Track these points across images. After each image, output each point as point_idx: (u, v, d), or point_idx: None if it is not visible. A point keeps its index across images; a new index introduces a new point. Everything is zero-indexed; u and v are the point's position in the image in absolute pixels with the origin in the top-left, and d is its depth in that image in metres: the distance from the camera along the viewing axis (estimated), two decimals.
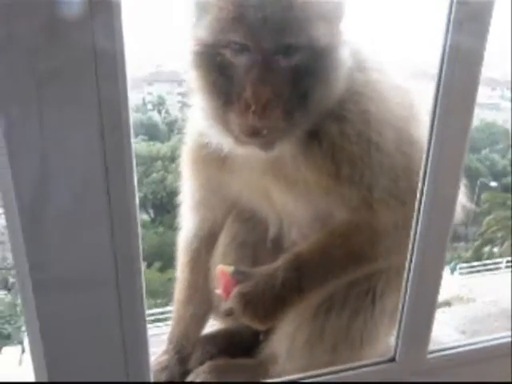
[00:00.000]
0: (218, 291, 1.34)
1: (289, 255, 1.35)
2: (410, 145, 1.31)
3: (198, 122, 1.37)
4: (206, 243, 1.61)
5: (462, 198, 1.39)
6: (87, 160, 0.87)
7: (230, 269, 1.32)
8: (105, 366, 1.03)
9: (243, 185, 1.45)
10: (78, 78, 0.81)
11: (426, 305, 1.30)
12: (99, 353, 1.02)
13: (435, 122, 1.11)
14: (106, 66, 0.81)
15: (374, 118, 1.28)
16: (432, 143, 1.13)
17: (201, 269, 1.61)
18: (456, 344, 1.45)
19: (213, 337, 1.67)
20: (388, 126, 1.29)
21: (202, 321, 1.66)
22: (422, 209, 1.19)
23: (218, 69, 1.17)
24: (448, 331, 1.77)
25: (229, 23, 1.11)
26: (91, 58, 0.80)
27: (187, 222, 1.62)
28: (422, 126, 1.31)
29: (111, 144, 0.87)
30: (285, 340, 1.46)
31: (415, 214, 1.22)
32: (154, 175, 18.15)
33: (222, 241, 1.58)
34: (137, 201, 0.94)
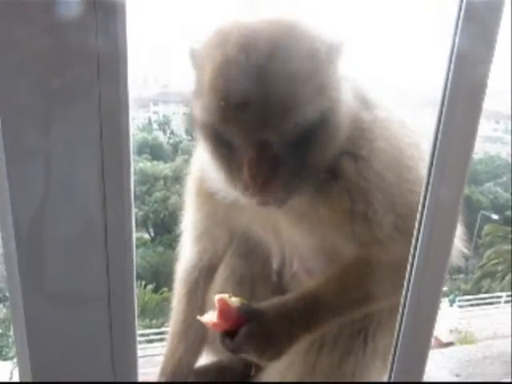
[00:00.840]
0: (210, 321, 1.26)
1: (303, 293, 1.34)
2: (419, 184, 1.32)
3: (204, 161, 1.37)
4: (204, 275, 1.61)
5: (458, 243, 1.40)
6: (84, 175, 0.87)
7: (234, 301, 1.27)
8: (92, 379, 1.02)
9: (251, 218, 1.45)
10: (81, 95, 0.83)
11: (419, 344, 1.28)
12: (87, 366, 1.00)
13: (435, 158, 1.11)
14: (109, 85, 0.82)
15: (389, 156, 1.29)
16: (431, 176, 1.13)
17: (198, 301, 1.60)
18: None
19: (205, 370, 1.66)
20: (401, 164, 1.31)
21: (196, 354, 1.65)
22: (418, 246, 1.19)
23: (219, 143, 1.18)
24: (442, 373, 1.75)
25: (216, 109, 1.11)
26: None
27: (187, 252, 1.62)
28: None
29: (109, 161, 0.86)
30: (276, 376, 1.46)
31: (411, 251, 1.22)
32: (157, 194, 18.18)
33: (221, 273, 1.58)
34: (133, 220, 0.93)
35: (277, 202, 1.22)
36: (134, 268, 0.96)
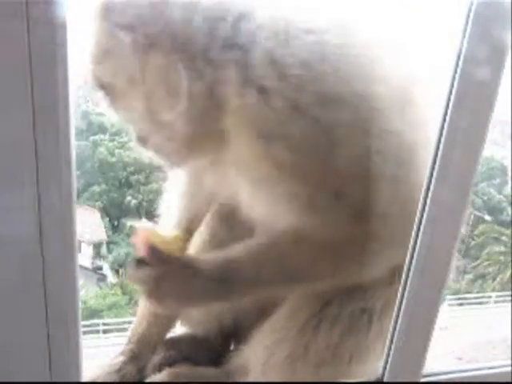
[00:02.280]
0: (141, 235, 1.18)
1: (220, 256, 1.19)
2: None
3: None
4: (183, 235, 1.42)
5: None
6: None
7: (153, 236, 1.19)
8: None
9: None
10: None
11: (423, 320, 1.12)
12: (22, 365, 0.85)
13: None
14: None
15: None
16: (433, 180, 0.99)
17: None
18: (454, 368, 1.26)
19: (177, 341, 1.48)
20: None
21: (168, 322, 1.47)
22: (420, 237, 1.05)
23: None
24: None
25: None
26: None
27: (166, 212, 1.47)
28: None
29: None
30: (261, 353, 1.26)
31: (411, 243, 1.07)
32: (153, 185, 18.03)
33: (200, 236, 1.39)
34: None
35: None
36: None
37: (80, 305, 0.86)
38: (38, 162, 0.76)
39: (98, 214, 12.39)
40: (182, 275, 1.16)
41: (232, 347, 1.49)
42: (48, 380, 0.85)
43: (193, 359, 1.41)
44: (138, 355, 1.40)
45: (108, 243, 12.55)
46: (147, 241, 1.16)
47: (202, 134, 1.13)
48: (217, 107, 1.08)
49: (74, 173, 0.81)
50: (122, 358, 1.39)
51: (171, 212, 1.45)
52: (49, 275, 0.80)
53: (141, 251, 1.16)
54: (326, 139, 1.06)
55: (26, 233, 0.79)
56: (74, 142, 0.80)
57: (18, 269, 0.81)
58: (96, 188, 12.61)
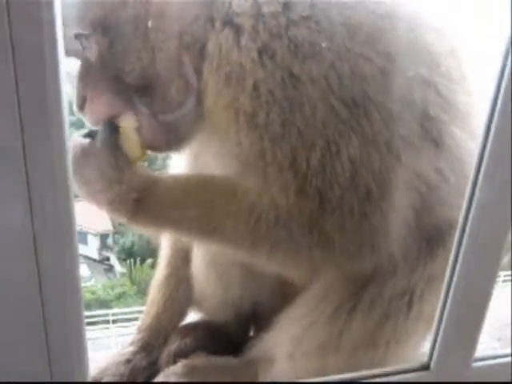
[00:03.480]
0: None
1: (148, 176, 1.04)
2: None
3: None
4: None
5: None
6: None
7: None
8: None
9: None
10: None
11: (475, 301, 0.97)
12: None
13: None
14: None
15: None
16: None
17: (183, 245, 1.31)
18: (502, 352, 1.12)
19: (192, 328, 1.35)
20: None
21: (179, 309, 1.34)
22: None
23: None
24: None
25: None
26: None
27: None
28: None
29: None
30: (287, 341, 1.12)
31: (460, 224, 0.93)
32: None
33: None
34: None
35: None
36: None
37: (82, 304, 0.72)
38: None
39: None
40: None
41: (252, 334, 1.35)
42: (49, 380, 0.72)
43: (209, 347, 1.28)
44: (148, 345, 1.28)
45: (114, 234, 12.47)
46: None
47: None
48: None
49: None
50: (131, 349, 1.26)
51: None
52: (45, 272, 0.67)
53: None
54: (292, 93, 0.94)
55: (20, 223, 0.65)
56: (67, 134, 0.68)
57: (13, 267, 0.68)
58: None
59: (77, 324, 0.72)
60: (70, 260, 0.69)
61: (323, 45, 0.93)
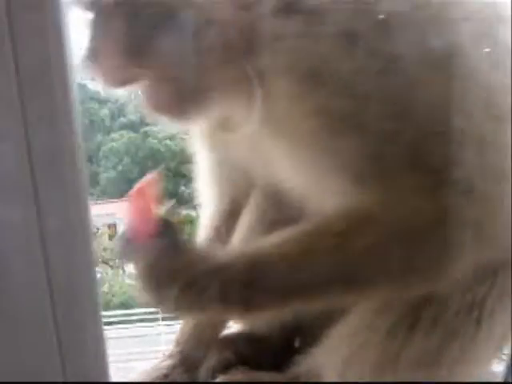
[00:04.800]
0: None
1: (247, 254, 0.91)
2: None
3: None
4: (226, 220, 1.23)
5: None
6: None
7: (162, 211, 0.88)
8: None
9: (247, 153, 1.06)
10: None
11: None
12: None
13: None
14: None
15: None
16: None
17: None
18: None
19: (233, 339, 1.26)
20: None
21: (220, 320, 1.26)
22: None
23: None
24: None
25: None
26: None
27: (205, 199, 1.27)
28: None
29: None
30: (338, 360, 1.01)
31: None
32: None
33: (246, 219, 1.18)
34: None
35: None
36: None
37: (99, 300, 0.66)
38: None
39: None
40: (198, 272, 0.87)
41: (297, 348, 1.25)
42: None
43: (251, 361, 1.20)
44: (187, 358, 1.21)
45: None
46: (151, 211, 0.86)
47: (227, 78, 0.87)
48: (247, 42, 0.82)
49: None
50: (169, 362, 1.20)
51: (208, 199, 1.24)
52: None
53: (138, 224, 0.86)
54: (397, 78, 0.79)
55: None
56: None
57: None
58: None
59: (92, 322, 0.66)
60: (83, 256, 0.62)
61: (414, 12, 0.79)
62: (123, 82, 0.90)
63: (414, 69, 0.80)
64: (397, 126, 0.80)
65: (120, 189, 9.46)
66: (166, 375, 1.17)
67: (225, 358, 1.20)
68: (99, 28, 0.87)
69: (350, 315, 1.01)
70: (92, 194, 9.49)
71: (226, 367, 1.18)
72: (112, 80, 0.90)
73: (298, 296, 0.90)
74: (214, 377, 1.16)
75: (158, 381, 1.15)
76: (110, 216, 8.91)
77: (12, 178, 0.59)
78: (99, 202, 9.58)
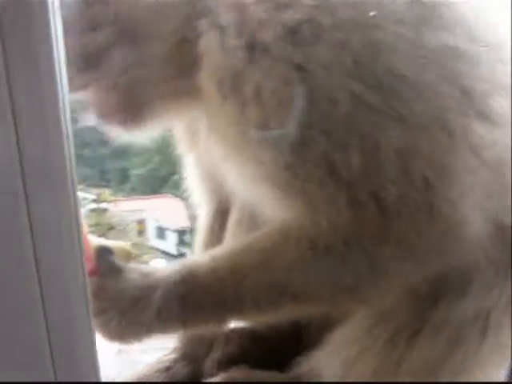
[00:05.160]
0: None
1: (180, 271, 0.90)
2: None
3: None
4: (218, 220, 1.23)
5: None
6: None
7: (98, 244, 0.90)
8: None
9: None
10: None
11: None
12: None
13: None
14: None
15: None
16: None
17: None
18: None
19: (238, 334, 1.26)
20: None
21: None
22: None
23: None
24: None
25: None
26: None
27: (196, 198, 1.28)
28: None
29: None
30: (338, 363, 1.00)
31: None
32: None
33: (232, 218, 1.17)
34: None
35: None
36: None
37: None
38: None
39: (181, 203, 12.69)
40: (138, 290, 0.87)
41: (301, 348, 1.24)
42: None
43: (254, 357, 1.19)
44: (190, 353, 1.22)
45: (191, 230, 12.81)
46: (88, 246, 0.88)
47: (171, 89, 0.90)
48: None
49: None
50: (172, 356, 1.21)
51: (199, 198, 1.25)
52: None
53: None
54: (307, 87, 0.78)
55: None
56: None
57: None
58: (177, 176, 12.92)
59: (81, 322, 0.66)
60: (72, 255, 0.62)
61: (324, 22, 0.77)
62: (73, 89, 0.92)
63: (321, 79, 0.78)
64: (308, 136, 0.79)
65: (150, 186, 9.59)
66: (168, 368, 1.18)
67: (229, 351, 1.20)
68: None
69: (352, 320, 1.00)
70: (122, 191, 9.64)
71: (230, 361, 1.18)
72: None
73: (230, 311, 0.90)
74: (218, 370, 1.16)
75: (160, 373, 1.16)
76: (140, 212, 9.06)
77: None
78: (129, 198, 9.74)
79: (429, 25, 0.82)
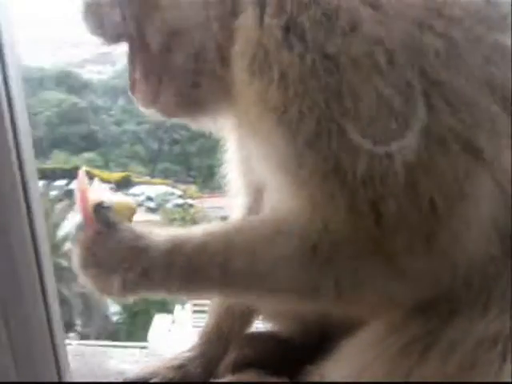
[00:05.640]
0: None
1: (172, 240, 0.89)
2: None
3: None
4: (253, 210, 1.19)
5: None
6: None
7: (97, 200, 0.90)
8: None
9: None
10: None
11: None
12: None
13: None
14: None
15: None
16: None
17: None
18: None
19: (254, 339, 1.24)
20: None
21: (242, 317, 1.23)
22: None
23: None
24: None
25: None
26: None
27: (234, 188, 1.25)
28: None
29: None
30: (346, 373, 0.94)
31: None
32: None
33: (267, 206, 1.12)
34: None
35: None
36: None
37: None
38: None
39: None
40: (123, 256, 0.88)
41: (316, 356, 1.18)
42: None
43: (269, 362, 1.15)
44: (207, 353, 1.20)
45: None
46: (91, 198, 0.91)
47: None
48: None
49: None
50: (188, 354, 1.20)
51: (236, 189, 1.22)
52: None
53: (83, 212, 0.91)
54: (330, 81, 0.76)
55: None
56: None
57: None
58: None
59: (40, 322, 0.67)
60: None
61: (364, 13, 0.74)
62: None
63: (350, 73, 0.75)
64: (324, 129, 0.76)
65: None
66: (181, 366, 1.17)
67: (244, 355, 1.18)
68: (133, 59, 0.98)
69: (364, 331, 0.95)
70: (207, 187, 9.95)
71: (245, 364, 1.15)
72: (146, 103, 1.00)
73: (215, 287, 0.91)
74: (232, 372, 1.14)
75: (170, 370, 1.16)
76: (224, 209, 9.29)
77: None
78: (215, 195, 10.04)
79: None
